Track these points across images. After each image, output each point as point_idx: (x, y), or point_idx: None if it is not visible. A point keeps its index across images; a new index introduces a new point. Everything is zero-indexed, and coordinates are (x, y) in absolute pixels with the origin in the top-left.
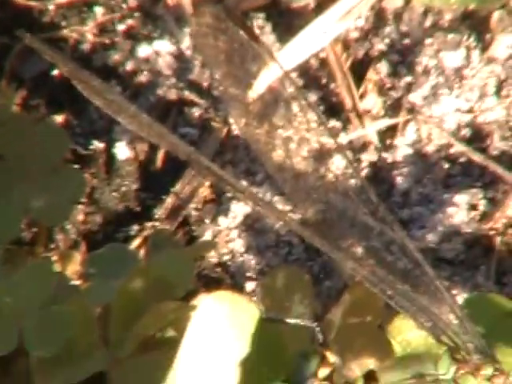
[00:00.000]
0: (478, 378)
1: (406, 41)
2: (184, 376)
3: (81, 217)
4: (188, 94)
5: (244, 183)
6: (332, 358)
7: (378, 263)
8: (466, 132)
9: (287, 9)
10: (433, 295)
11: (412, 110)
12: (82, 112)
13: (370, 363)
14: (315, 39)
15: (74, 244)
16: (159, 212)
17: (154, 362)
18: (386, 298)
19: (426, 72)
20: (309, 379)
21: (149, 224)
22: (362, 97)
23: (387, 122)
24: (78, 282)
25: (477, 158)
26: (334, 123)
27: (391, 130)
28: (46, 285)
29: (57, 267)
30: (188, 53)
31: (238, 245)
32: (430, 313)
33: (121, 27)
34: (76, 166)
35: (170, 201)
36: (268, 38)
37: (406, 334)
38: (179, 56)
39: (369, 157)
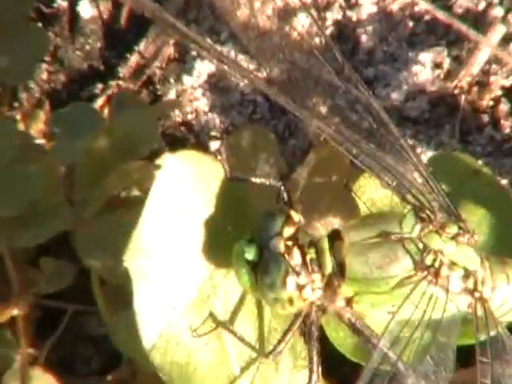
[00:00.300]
0: (443, 237)
1: None
2: (149, 235)
3: (45, 75)
4: None
5: (209, 41)
6: (297, 217)
7: (343, 122)
8: None
9: None
10: (398, 154)
11: None
12: None
13: (335, 222)
14: None
15: (38, 103)
16: (123, 71)
17: (118, 222)
18: (351, 157)
19: None
20: (274, 238)
21: (113, 83)
22: None
23: None
24: (42, 142)
25: (441, 16)
26: None
27: None
28: (9, 144)
29: (21, 126)
30: None
31: (203, 104)
32: (395, 172)
33: None
34: (39, 25)
35: (134, 59)
36: None
37: (371, 193)
38: None
39: (333, 15)
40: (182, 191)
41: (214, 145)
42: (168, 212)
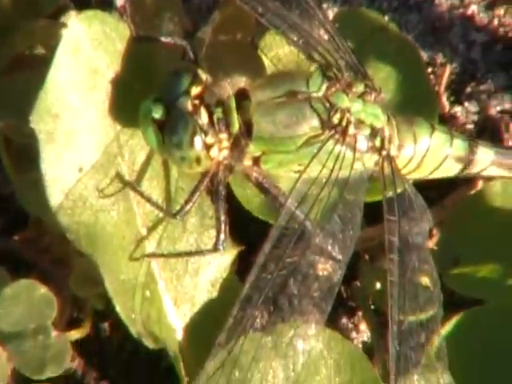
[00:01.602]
0: (350, 95)
1: None
2: (55, 95)
3: None
4: None
5: None
6: (204, 75)
7: None
8: None
9: None
10: (304, 12)
11: None
12: None
13: (242, 81)
14: None
15: None
16: None
17: (23, 81)
18: (256, 16)
19: None
20: (181, 96)
21: None
22: None
23: None
24: None
25: None
26: None
27: None
28: None
29: None
30: None
31: None
32: (301, 29)
33: None
34: None
35: None
36: None
37: (278, 50)
38: None
39: None
40: (88, 51)
41: (119, 1)
42: (74, 72)
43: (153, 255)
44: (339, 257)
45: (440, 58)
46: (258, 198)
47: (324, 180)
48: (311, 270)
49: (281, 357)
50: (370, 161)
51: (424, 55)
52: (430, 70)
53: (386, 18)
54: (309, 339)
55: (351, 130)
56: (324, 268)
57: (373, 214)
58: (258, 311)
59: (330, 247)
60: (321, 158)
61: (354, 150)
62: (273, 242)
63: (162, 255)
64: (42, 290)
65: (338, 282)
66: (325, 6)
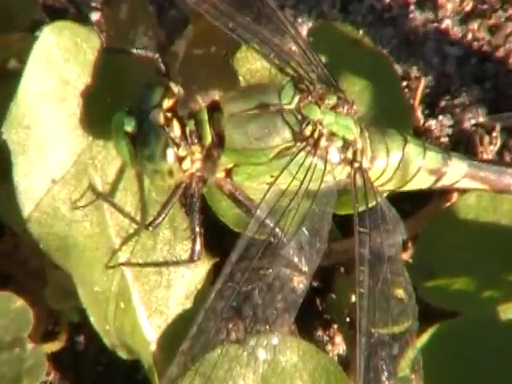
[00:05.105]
0: (322, 107)
1: None
2: (26, 107)
3: None
4: None
5: None
6: (176, 88)
7: None
8: None
9: None
10: (276, 27)
11: None
12: None
13: (214, 93)
14: None
15: None
16: None
17: None
18: (227, 31)
19: None
20: (153, 109)
21: None
22: None
23: None
24: None
25: None
26: None
27: None
28: None
29: None
30: None
31: None
32: (272, 43)
33: None
34: None
35: None
36: None
37: (250, 65)
38: None
39: None
40: (59, 61)
41: (95, 16)
42: (45, 83)
43: (126, 266)
44: (305, 268)
45: (414, 72)
46: (234, 210)
47: (294, 192)
48: (277, 280)
49: (242, 366)
50: (342, 173)
51: (399, 69)
52: (404, 83)
53: (361, 32)
54: (272, 349)
55: (323, 142)
56: (289, 279)
57: (348, 226)
58: (222, 320)
59: (296, 259)
60: (292, 170)
61: (325, 162)
62: (240, 251)
63: (136, 265)
64: (19, 302)
65: (303, 293)
66: (299, 20)
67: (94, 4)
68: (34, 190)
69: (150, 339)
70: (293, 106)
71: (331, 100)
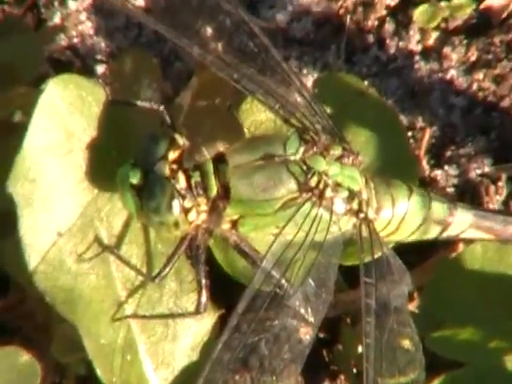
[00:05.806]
0: (327, 158)
1: None
2: (32, 160)
3: None
4: None
5: None
6: (181, 140)
7: (228, 46)
8: None
9: None
10: (281, 78)
11: None
12: None
13: (219, 145)
14: None
15: None
16: None
17: (1, 147)
18: (232, 82)
19: None
20: (159, 161)
21: None
22: None
23: None
24: None
25: None
26: None
27: None
28: None
29: None
30: None
31: (88, 27)
32: (277, 94)
33: None
34: None
35: None
36: None
37: (255, 116)
38: None
39: None
40: (64, 114)
41: (100, 69)
42: (50, 136)
43: (132, 318)
44: (311, 319)
45: (420, 122)
46: (239, 261)
47: (300, 243)
48: (283, 331)
49: None
50: (347, 223)
51: (404, 119)
52: (409, 133)
53: (366, 82)
54: None
55: (328, 192)
56: (296, 330)
57: (354, 277)
58: (229, 372)
59: (302, 310)
60: (297, 221)
61: (331, 212)
62: (246, 302)
63: (142, 318)
64: (25, 356)
65: (309, 344)
66: (305, 71)
67: (99, 57)
68: (39, 242)
69: None
70: (298, 157)
71: (336, 151)
